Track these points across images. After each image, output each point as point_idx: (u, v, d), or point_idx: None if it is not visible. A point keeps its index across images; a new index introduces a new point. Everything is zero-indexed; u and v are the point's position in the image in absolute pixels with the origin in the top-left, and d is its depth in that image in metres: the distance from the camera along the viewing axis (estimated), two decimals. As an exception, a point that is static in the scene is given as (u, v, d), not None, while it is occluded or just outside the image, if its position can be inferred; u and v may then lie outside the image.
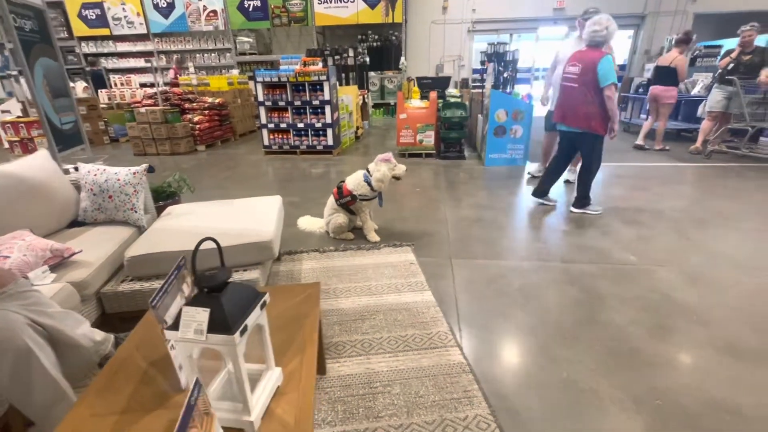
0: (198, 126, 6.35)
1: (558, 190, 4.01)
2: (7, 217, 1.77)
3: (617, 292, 2.18)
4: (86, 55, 10.65)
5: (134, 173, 2.14)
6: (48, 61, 2.50)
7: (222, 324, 0.78)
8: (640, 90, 7.21)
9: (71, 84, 7.02)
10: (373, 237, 2.86)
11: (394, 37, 9.82)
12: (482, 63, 6.69)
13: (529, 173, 4.56)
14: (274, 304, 1.37)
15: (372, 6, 9.28)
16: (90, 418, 0.92)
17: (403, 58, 9.65)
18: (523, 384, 1.57)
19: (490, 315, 2.02)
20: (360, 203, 2.79)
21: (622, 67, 10.57)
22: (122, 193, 2.10)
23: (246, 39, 10.30)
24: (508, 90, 6.19)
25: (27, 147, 6.19)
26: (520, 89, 9.14)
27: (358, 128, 7.25)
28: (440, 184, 4.35)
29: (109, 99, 8.00)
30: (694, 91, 6.57)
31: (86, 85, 7.60)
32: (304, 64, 5.76)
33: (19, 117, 6.45)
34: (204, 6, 9.76)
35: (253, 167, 5.37)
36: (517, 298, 2.16)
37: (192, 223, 2.13)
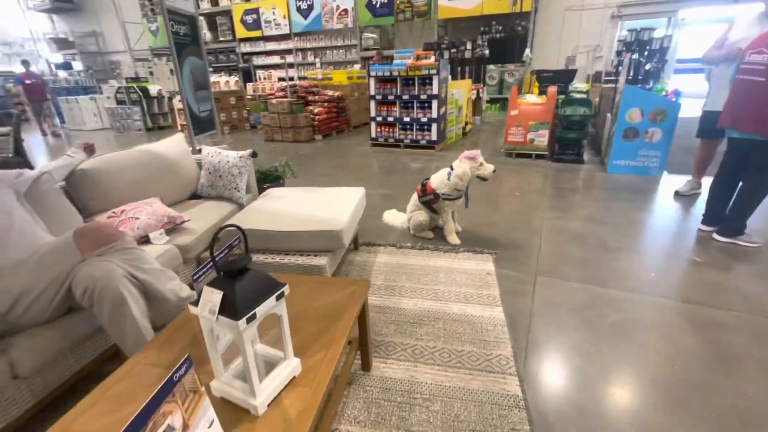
0: (317, 117, 6.94)
1: (681, 207, 3.21)
2: (145, 186, 2.20)
3: (759, 355, 1.65)
4: (242, 54, 12.59)
5: (240, 157, 2.44)
6: (195, 60, 3.00)
7: (231, 308, 0.81)
8: None
9: (227, 78, 8.39)
10: (453, 239, 2.72)
11: (520, 28, 9.11)
12: (618, 53, 5.71)
13: (676, 191, 3.64)
14: (322, 295, 1.41)
15: (499, -5, 8.75)
16: (143, 366, 1.08)
17: (527, 50, 8.90)
18: (589, 441, 1.31)
19: (567, 349, 1.73)
20: (443, 202, 2.68)
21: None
22: (229, 173, 2.41)
23: (371, 35, 10.81)
24: (649, 85, 5.16)
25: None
26: (685, 82, 7.56)
27: (467, 124, 6.99)
28: (545, 189, 3.90)
29: (254, 91, 9.33)
30: None
31: (237, 79, 8.96)
32: (417, 58, 5.77)
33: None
34: (337, 5, 10.54)
35: (359, 158, 5.64)
36: (608, 335, 1.80)
37: (281, 206, 2.33)
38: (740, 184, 2.59)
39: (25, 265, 1.30)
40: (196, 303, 0.88)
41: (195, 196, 2.52)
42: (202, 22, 12.56)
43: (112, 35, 14.45)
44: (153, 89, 9.02)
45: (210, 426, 0.75)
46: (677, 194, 3.56)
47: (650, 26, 4.88)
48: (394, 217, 3.09)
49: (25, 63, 8.76)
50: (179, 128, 8.29)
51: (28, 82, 8.48)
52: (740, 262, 2.40)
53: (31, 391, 1.29)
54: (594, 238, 2.78)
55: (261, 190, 2.88)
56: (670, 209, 3.34)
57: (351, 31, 10.76)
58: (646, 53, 4.93)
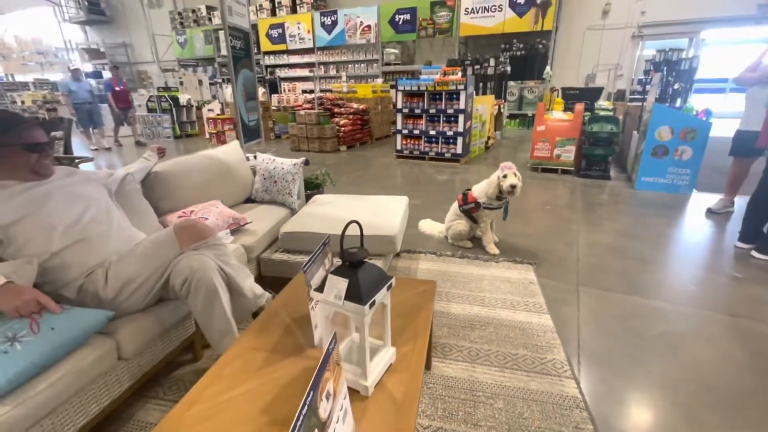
0: (343, 128, 7.13)
1: (714, 223, 3.24)
2: (207, 189, 2.34)
3: (812, 368, 1.68)
4: (267, 66, 12.98)
5: (294, 164, 2.57)
6: (247, 72, 3.18)
7: (357, 294, 0.92)
8: None
9: (255, 90, 8.67)
10: (493, 249, 2.80)
11: (540, 46, 9.29)
12: (646, 72, 5.81)
13: (709, 208, 3.66)
14: (394, 293, 1.49)
15: (520, 14, 8.97)
16: (249, 350, 1.18)
17: (548, 68, 9.05)
18: (652, 441, 1.36)
19: (618, 356, 1.79)
20: (483, 211, 2.77)
21: None
22: (284, 180, 2.55)
23: (392, 50, 11.10)
24: (677, 104, 5.24)
25: (220, 138, 7.91)
26: (704, 102, 7.63)
27: (489, 138, 7.11)
28: (575, 204, 3.97)
29: (278, 102, 9.60)
30: None
31: (264, 90, 9.25)
32: (444, 73, 5.94)
33: (218, 114, 8.29)
34: (361, 21, 10.87)
35: (384, 169, 5.78)
36: (656, 344, 1.86)
37: (331, 211, 2.44)
38: None
39: (131, 255, 1.43)
40: (319, 289, 0.98)
41: (249, 200, 2.66)
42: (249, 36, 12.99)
43: (141, 46, 15.04)
44: (183, 98, 9.35)
45: (345, 398, 0.84)
46: (709, 211, 3.59)
47: (678, 47, 4.99)
48: (430, 226, 3.19)
49: (114, 69, 8.31)
50: (207, 136, 8.56)
51: (117, 89, 8.02)
52: (780, 279, 2.43)
53: (129, 372, 1.39)
54: (630, 251, 2.84)
55: (305, 197, 3.01)
56: (703, 225, 3.37)
57: (373, 46, 11.06)
58: (674, 73, 5.03)
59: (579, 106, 4.85)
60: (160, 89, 10.26)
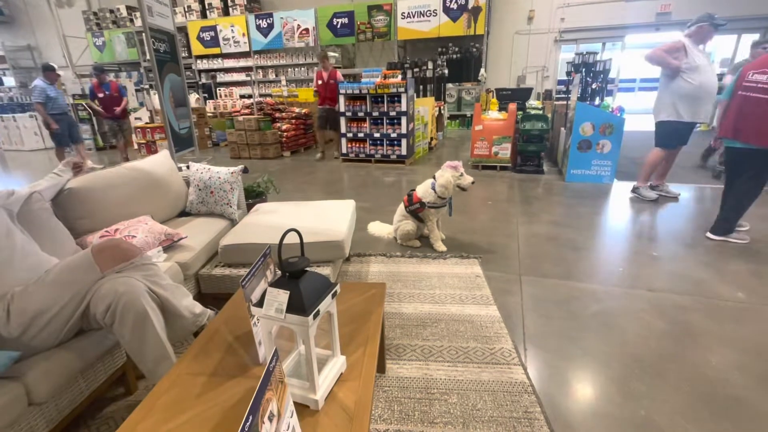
0: (285, 134, 6.94)
1: (635, 209, 3.62)
2: (134, 204, 2.14)
3: (716, 331, 1.91)
4: (200, 71, 12.28)
5: (232, 173, 2.44)
6: (174, 76, 2.97)
7: (299, 306, 0.87)
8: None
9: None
10: (440, 246, 2.87)
11: (474, 49, 9.74)
12: (568, 74, 6.33)
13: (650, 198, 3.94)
14: (342, 299, 1.47)
15: (454, 19, 9.33)
16: (186, 376, 1.09)
17: (482, 70, 9.52)
18: (592, 415, 1.46)
19: (559, 338, 1.90)
20: (428, 211, 2.83)
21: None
22: (221, 189, 2.41)
23: (332, 54, 11.01)
24: (596, 102, 5.76)
25: (150, 148, 7.32)
26: (618, 101, 8.45)
27: (432, 139, 7.31)
28: (514, 198, 4.20)
29: (215, 109, 9.13)
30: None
31: (198, 96, 8.74)
32: (385, 77, 6.00)
33: (146, 123, 7.67)
34: (298, 25, 10.67)
35: (331, 173, 5.71)
36: (591, 323, 2.01)
37: (275, 220, 2.35)
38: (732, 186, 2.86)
39: (40, 284, 1.25)
40: (258, 305, 0.92)
41: (184, 213, 2.48)
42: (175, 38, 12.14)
43: (49, 49, 13.52)
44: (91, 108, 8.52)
45: (291, 416, 0.80)
46: (654, 201, 3.89)
47: (592, 50, 5.52)
48: (379, 228, 3.19)
49: (98, 70, 6.60)
50: (135, 146, 7.89)
51: (101, 95, 6.43)
52: (690, 256, 2.74)
53: (45, 418, 1.22)
54: (564, 239, 3.05)
55: (246, 206, 2.87)
56: (625, 211, 3.72)
57: (313, 49, 10.90)
58: (591, 74, 5.54)
59: (512, 106, 5.15)
60: (75, 96, 9.28)
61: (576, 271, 2.56)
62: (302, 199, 4.21)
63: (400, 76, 5.96)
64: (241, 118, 6.72)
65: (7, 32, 13.71)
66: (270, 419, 0.69)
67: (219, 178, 2.41)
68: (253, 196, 3.26)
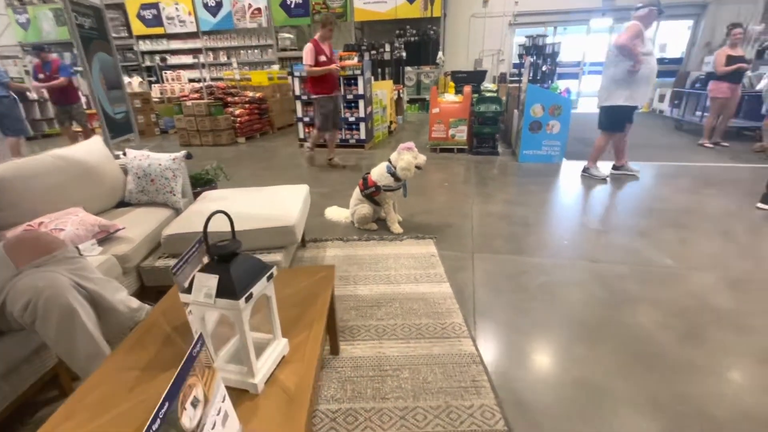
0: (239, 119, 6.65)
1: (585, 186, 3.84)
2: (62, 195, 1.97)
3: (647, 296, 2.08)
4: (143, 53, 11.43)
5: (174, 159, 2.31)
6: (104, 56, 2.73)
7: (229, 290, 0.84)
8: (697, 85, 6.70)
9: (128, 79, 7.56)
10: (396, 228, 2.89)
11: (432, 32, 9.73)
12: (520, 57, 6.49)
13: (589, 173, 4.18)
14: (291, 283, 1.44)
15: (410, 0, 9.24)
16: (117, 372, 1.03)
17: (440, 53, 9.54)
18: (535, 379, 1.55)
19: (507, 309, 1.99)
20: (384, 194, 2.83)
21: (677, 61, 9.86)
22: (162, 177, 2.27)
23: (287, 35, 10.61)
24: (546, 85, 5.97)
25: (89, 136, 6.75)
26: (566, 84, 8.78)
27: (391, 123, 7.28)
28: (470, 179, 4.29)
29: (161, 93, 8.56)
30: (760, 86, 6.01)
31: (141, 80, 8.15)
32: (340, 59, 5.86)
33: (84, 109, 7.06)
34: (249, 4, 10.14)
35: (288, 159, 5.56)
36: (537, 294, 2.11)
37: (223, 207, 2.24)
38: None
39: (-57, 285, 1.13)
40: (187, 291, 0.88)
41: (123, 203, 2.32)
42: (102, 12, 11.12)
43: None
44: (35, 92, 7.76)
45: (224, 401, 0.77)
46: (603, 180, 4.08)
47: (542, 34, 5.66)
48: (336, 213, 3.16)
49: (39, 50, 5.51)
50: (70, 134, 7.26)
51: (41, 76, 5.51)
52: (625, 227, 2.94)
53: (-39, 428, 1.12)
54: (516, 217, 3.17)
55: (195, 195, 2.74)
56: (573, 188, 3.92)
57: (266, 30, 10.44)
58: (542, 57, 5.70)
59: (467, 89, 5.22)
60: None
61: (526, 246, 2.67)
62: (258, 186, 4.08)
63: (356, 59, 5.85)
64: (189, 103, 6.36)
65: None
66: (194, 405, 0.67)
67: (159, 165, 2.27)
68: (202, 184, 3.11)
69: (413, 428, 1.33)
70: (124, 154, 2.37)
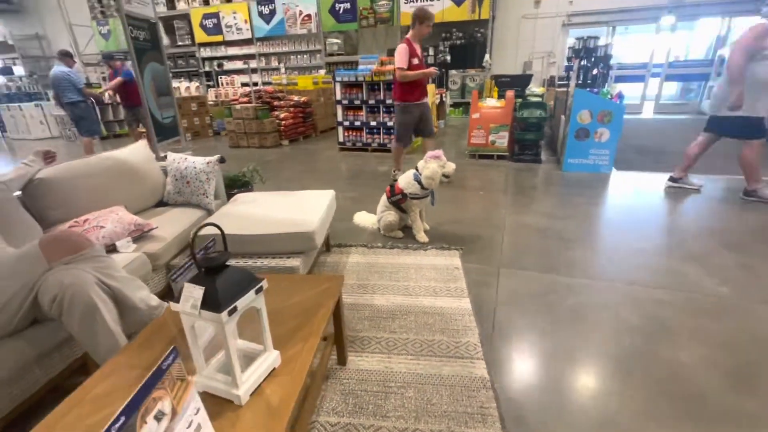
0: (283, 122, 6.91)
1: (630, 201, 3.52)
2: (107, 194, 2.15)
3: (693, 327, 1.85)
4: (204, 59, 12.27)
5: (208, 163, 2.43)
6: (156, 65, 2.95)
7: (213, 302, 0.86)
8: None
9: (187, 84, 8.12)
10: (422, 237, 2.83)
11: (479, 35, 9.50)
12: (569, 59, 6.13)
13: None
14: (297, 292, 1.46)
15: (458, 3, 9.08)
16: (125, 368, 1.09)
17: (487, 56, 9.29)
18: (550, 415, 1.43)
19: (528, 332, 1.87)
20: (410, 202, 2.79)
21: None
22: (197, 179, 2.40)
23: (335, 41, 10.87)
24: (596, 89, 5.58)
25: (140, 137, 7.36)
26: (630, 88, 8.17)
27: (432, 127, 7.19)
28: (507, 188, 4.12)
29: (216, 97, 9.12)
30: None
31: (198, 85, 8.73)
32: (381, 63, 5.90)
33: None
34: (300, 10, 10.52)
35: (327, 162, 5.68)
36: (563, 317, 1.97)
37: (251, 210, 2.34)
38: None
39: (-12, 276, 1.27)
40: (177, 300, 0.91)
41: (162, 203, 2.48)
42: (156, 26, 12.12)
43: (58, 38, 13.63)
44: (107, 95, 8.60)
45: (197, 413, 0.79)
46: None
47: (595, 35, 5.25)
48: (364, 219, 3.16)
49: (107, 57, 6.07)
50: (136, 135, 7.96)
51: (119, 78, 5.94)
52: (678, 248, 2.66)
53: (-4, 405, 1.25)
54: (551, 231, 2.98)
55: (229, 196, 2.87)
56: (621, 202, 3.62)
57: (315, 36, 10.77)
58: (593, 60, 5.33)
59: (509, 93, 5.02)
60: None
61: (558, 263, 2.50)
62: (296, 188, 4.20)
63: (397, 63, 5.84)
64: (238, 107, 6.71)
65: (16, 21, 13.84)
66: (158, 419, 0.68)
67: (195, 168, 2.40)
68: (240, 185, 3.26)
69: (410, 452, 1.28)
70: (165, 157, 2.53)
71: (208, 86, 11.13)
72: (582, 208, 3.46)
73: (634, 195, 3.77)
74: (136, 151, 2.43)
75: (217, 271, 0.92)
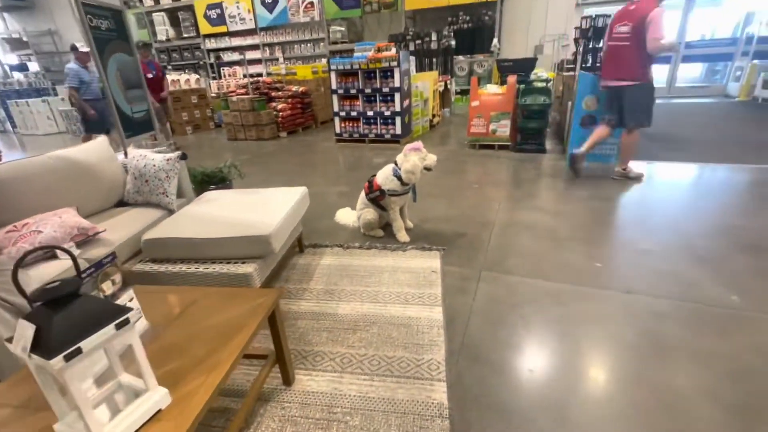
0: (281, 113, 6.74)
1: (638, 194, 3.21)
2: (58, 196, 2.03)
3: (696, 346, 1.61)
4: (209, 50, 12.17)
5: (167, 160, 2.28)
6: (122, 56, 2.80)
7: (44, 345, 0.70)
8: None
9: (186, 76, 8.02)
10: (402, 237, 2.64)
11: (487, 17, 9.05)
12: (576, 41, 5.72)
13: None
14: (219, 310, 1.29)
15: (464, -16, 8.66)
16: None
17: (495, 40, 8.85)
18: (511, 449, 1.24)
19: (503, 348, 1.66)
20: (389, 198, 2.59)
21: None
22: (156, 178, 2.26)
23: (338, 28, 10.58)
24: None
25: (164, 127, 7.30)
26: (656, 70, 7.65)
27: (434, 116, 6.91)
28: (504, 180, 3.86)
29: (218, 89, 9.01)
30: None
31: (198, 77, 8.62)
32: (378, 50, 5.63)
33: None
34: (302, -2, 10.26)
35: (323, 154, 5.50)
36: (545, 331, 1.75)
37: (211, 210, 2.18)
38: None
39: None
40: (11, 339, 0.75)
41: (121, 203, 2.36)
42: (163, 17, 12.10)
43: (69, 33, 13.76)
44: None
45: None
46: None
47: (606, 13, 4.82)
48: (346, 216, 2.99)
49: (144, 48, 5.89)
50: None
51: (149, 75, 5.66)
52: (684, 248, 2.38)
53: None
54: (545, 229, 2.74)
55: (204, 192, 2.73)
56: (629, 196, 3.32)
57: (318, 24, 10.51)
58: (601, 41, 4.93)
59: (511, 79, 4.70)
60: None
61: (547, 266, 2.27)
62: (287, 184, 4.04)
63: (394, 49, 5.58)
64: (234, 98, 6.57)
65: (29, 17, 14.03)
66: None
67: (153, 165, 2.26)
68: (216, 181, 3.12)
69: (340, 497, 1.11)
70: (125, 154, 2.40)
71: (213, 78, 11.05)
72: (582, 203, 3.18)
73: (642, 188, 3.46)
74: (93, 149, 2.30)
75: (65, 302, 0.75)
